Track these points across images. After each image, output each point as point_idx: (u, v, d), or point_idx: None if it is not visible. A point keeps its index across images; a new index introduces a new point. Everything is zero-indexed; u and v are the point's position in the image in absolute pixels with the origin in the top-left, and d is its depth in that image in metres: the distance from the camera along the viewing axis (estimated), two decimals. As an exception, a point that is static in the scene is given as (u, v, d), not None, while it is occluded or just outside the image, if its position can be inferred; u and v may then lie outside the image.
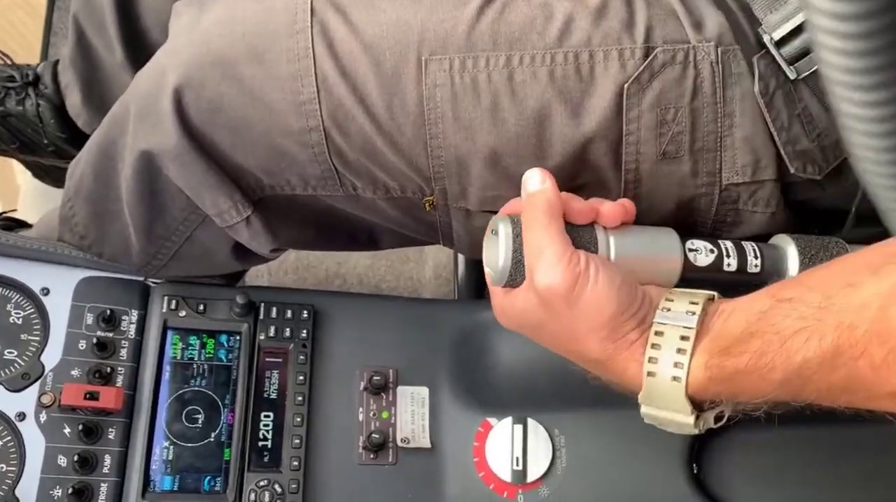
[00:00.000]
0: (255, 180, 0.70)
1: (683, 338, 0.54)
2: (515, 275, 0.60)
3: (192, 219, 0.74)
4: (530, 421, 0.80)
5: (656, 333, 0.55)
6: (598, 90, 0.66)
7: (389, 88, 0.66)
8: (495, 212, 0.70)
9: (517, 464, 0.78)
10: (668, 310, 0.56)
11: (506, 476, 0.78)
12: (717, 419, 0.56)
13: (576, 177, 0.69)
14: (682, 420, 0.55)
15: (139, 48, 1.04)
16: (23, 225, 0.96)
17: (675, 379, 0.54)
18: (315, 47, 0.65)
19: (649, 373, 0.55)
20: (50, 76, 1.11)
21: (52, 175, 1.27)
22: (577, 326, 0.58)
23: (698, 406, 0.55)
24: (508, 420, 0.80)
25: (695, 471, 0.79)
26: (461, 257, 1.07)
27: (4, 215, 0.98)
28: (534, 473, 0.78)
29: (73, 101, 1.10)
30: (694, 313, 0.55)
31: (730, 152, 0.67)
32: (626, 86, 0.65)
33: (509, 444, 0.79)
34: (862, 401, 0.48)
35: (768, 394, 0.51)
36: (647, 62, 0.65)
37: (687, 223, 0.71)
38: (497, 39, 0.66)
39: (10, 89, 1.10)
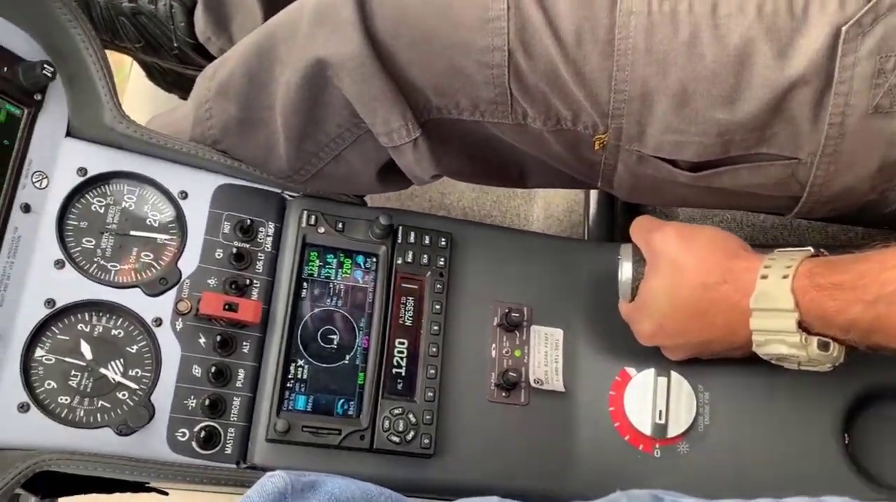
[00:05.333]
0: (425, 100, 0.65)
1: (792, 259, 0.63)
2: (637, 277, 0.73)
3: (345, 137, 0.70)
4: (674, 375, 0.77)
5: (770, 258, 0.64)
6: (810, 30, 0.60)
7: (581, 12, 0.60)
8: (671, 161, 0.66)
9: (659, 418, 0.75)
10: (773, 258, 0.64)
11: (645, 428, 0.75)
12: (821, 345, 0.61)
13: (766, 126, 0.63)
14: (787, 326, 0.61)
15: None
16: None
17: (783, 277, 0.61)
18: None
19: (762, 276, 0.63)
20: (183, -24, 1.07)
21: (166, 78, 1.24)
22: (698, 263, 0.67)
23: (804, 327, 0.61)
24: (651, 371, 0.77)
25: (846, 442, 0.75)
26: (593, 197, 1.02)
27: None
28: (674, 429, 0.75)
29: (198, 9, 1.06)
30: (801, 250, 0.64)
31: None
32: (844, 28, 0.59)
33: (651, 397, 0.76)
34: None
35: (857, 314, 0.57)
36: (871, 3, 0.59)
37: (885, 190, 0.65)
38: None
39: (143, -13, 1.07)
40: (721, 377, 0.77)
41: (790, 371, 0.67)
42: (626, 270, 0.75)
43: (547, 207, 1.22)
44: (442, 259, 0.79)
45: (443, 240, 0.80)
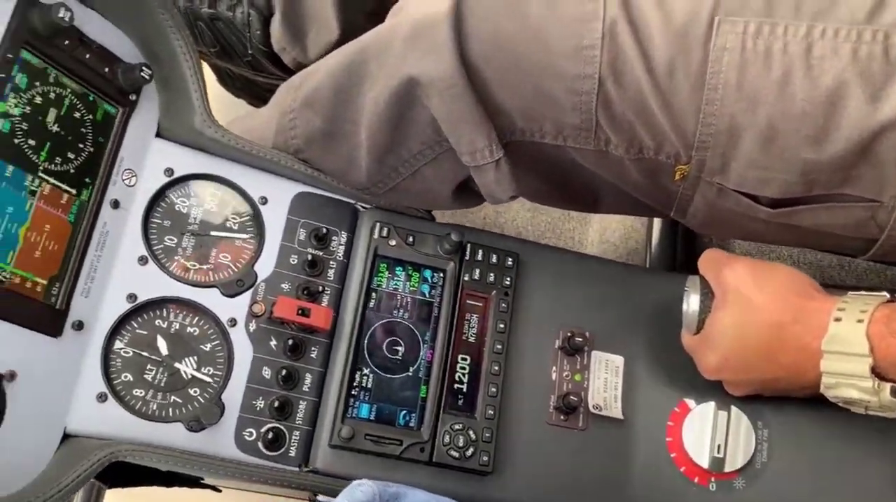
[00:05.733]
0: (510, 122, 0.66)
1: (867, 304, 0.63)
2: (704, 310, 0.73)
3: (426, 154, 0.72)
4: (734, 409, 0.77)
5: (843, 301, 0.65)
6: None
7: (675, 45, 0.61)
8: (751, 196, 0.66)
9: (717, 452, 0.75)
10: (847, 301, 0.65)
11: (702, 461, 0.75)
12: (893, 392, 0.61)
13: (852, 167, 0.63)
14: (860, 370, 0.61)
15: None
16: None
17: (858, 321, 0.61)
18: None
19: (836, 319, 0.63)
20: (263, -15, 1.10)
21: (235, 83, 1.27)
22: (770, 300, 0.68)
23: (877, 373, 0.61)
24: (711, 404, 0.77)
25: (906, 492, 0.75)
26: (657, 226, 1.02)
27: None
28: (732, 464, 0.75)
29: (276, 21, 1.09)
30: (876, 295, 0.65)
31: None
32: None
33: (710, 430, 0.76)
34: None
35: None
36: None
37: None
38: (800, 7, 0.61)
39: (221, -8, 1.10)
40: (782, 415, 0.77)
41: (854, 414, 0.67)
42: (692, 302, 0.75)
43: (602, 232, 1.23)
44: (508, 278, 0.80)
45: (510, 259, 0.81)
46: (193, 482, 0.74)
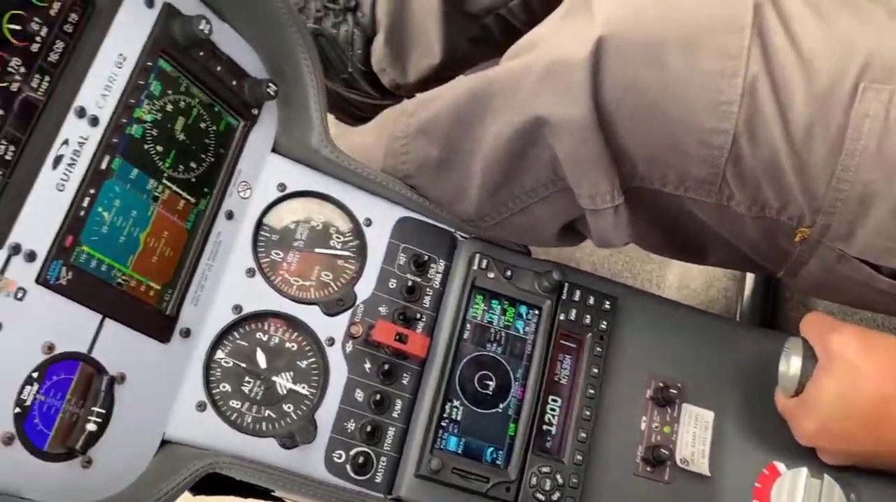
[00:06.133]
0: (633, 168, 0.66)
1: None
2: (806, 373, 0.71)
3: (539, 192, 0.71)
4: (827, 478, 0.75)
5: None
6: None
7: (816, 108, 0.60)
8: (873, 265, 0.65)
9: (808, 521, 0.73)
10: None
11: (791, 529, 0.73)
12: None
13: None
14: None
15: (458, 4, 1.02)
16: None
17: None
18: (751, 49, 0.60)
19: None
20: (369, 5, 1.11)
21: (328, 100, 1.28)
22: (879, 372, 0.66)
23: None
24: (803, 471, 0.75)
25: None
26: (749, 279, 1.01)
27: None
28: (821, 534, 0.73)
29: (378, 41, 1.10)
30: None
31: None
32: None
33: (800, 497, 0.74)
34: None
35: None
36: None
37: None
38: None
39: (330, 10, 1.11)
40: (877, 490, 0.75)
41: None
42: (794, 365, 0.73)
43: (682, 277, 1.21)
44: (604, 322, 0.79)
45: (607, 303, 0.80)
46: (265, 494, 0.74)
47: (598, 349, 0.78)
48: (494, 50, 1.12)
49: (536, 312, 0.79)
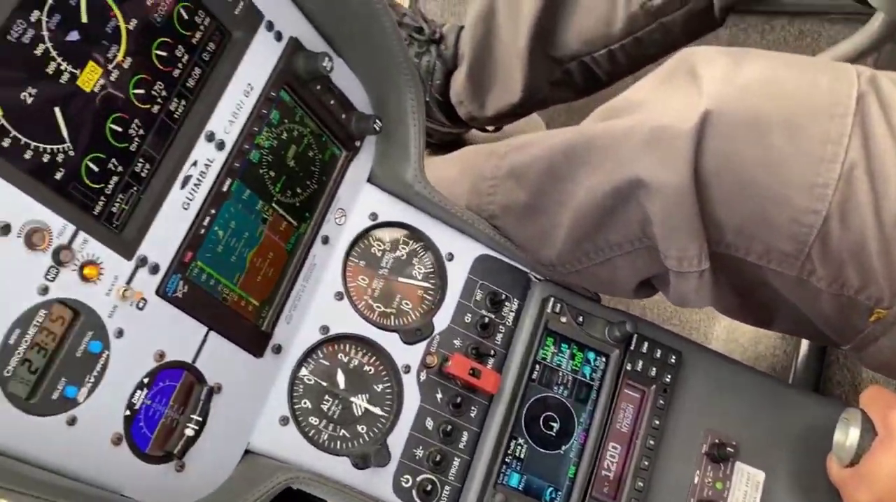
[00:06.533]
0: (720, 235, 0.68)
1: None
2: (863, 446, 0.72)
3: (624, 247, 0.74)
4: (876, 553, 0.77)
5: None
6: None
7: None
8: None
9: None
10: None
11: None
12: None
13: None
14: None
15: (544, 48, 1.05)
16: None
17: None
18: (852, 136, 0.62)
19: None
20: (453, 39, 1.14)
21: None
22: None
23: None
24: (852, 541, 0.77)
25: None
26: (805, 342, 1.03)
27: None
28: None
29: (459, 74, 1.13)
30: None
31: None
32: None
33: (847, 567, 0.76)
34: None
35: None
36: None
37: None
38: None
39: (415, 40, 1.15)
40: (924, 568, 0.76)
41: None
42: (851, 436, 0.75)
43: (731, 331, 1.23)
44: (669, 375, 0.81)
45: (673, 357, 0.82)
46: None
47: (661, 401, 0.80)
48: (573, 93, 1.15)
49: (604, 359, 0.81)
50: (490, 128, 1.22)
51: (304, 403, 0.73)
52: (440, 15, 1.47)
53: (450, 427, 0.76)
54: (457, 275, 0.81)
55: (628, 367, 0.81)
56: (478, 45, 1.11)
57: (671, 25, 0.94)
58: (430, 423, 0.76)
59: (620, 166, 0.68)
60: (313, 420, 0.73)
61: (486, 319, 0.80)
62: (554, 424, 0.79)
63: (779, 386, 0.88)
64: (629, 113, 0.70)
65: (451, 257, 0.81)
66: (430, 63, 1.17)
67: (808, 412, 0.85)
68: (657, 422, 0.80)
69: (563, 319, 0.81)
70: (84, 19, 0.53)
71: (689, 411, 0.82)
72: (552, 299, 0.81)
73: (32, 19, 0.50)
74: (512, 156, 0.80)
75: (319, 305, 0.74)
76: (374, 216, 0.79)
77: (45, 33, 0.51)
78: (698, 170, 0.65)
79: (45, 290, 0.52)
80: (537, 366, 0.80)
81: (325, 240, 0.75)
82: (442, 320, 0.79)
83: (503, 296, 0.81)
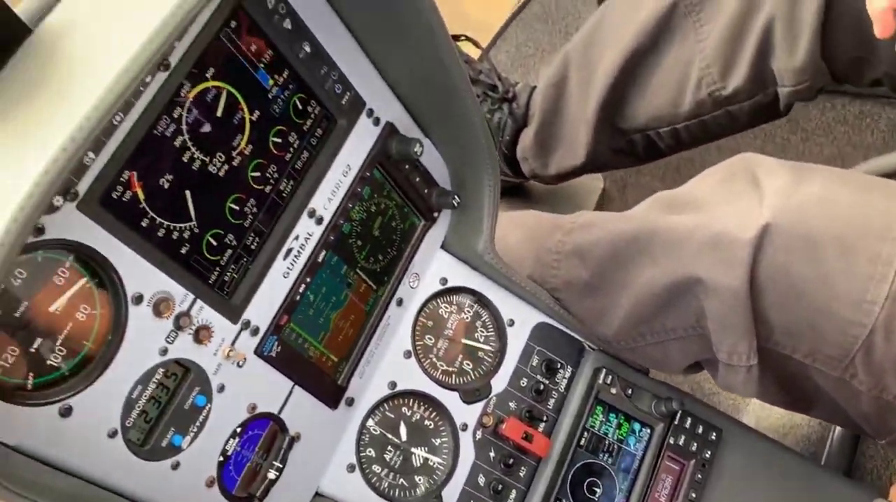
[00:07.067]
0: (769, 333, 0.73)
1: None
2: None
3: (678, 332, 0.79)
4: None
5: None
6: None
7: None
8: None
9: None
10: None
11: None
12: None
13: None
14: None
15: (611, 119, 1.11)
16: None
17: None
18: None
19: None
20: (525, 99, 1.20)
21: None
22: None
23: None
24: None
25: None
26: (839, 428, 1.07)
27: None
28: None
29: (527, 133, 1.19)
30: None
31: None
32: None
33: None
34: None
35: None
36: None
37: None
38: None
39: (489, 97, 1.21)
40: None
41: None
42: None
43: (764, 406, 1.27)
44: (709, 452, 0.86)
45: (714, 434, 0.87)
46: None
47: (699, 476, 0.85)
48: (634, 161, 1.20)
49: (649, 431, 0.87)
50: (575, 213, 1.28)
51: (370, 452, 0.79)
52: (510, 65, 1.53)
53: (500, 485, 0.81)
54: (516, 340, 0.87)
55: (671, 441, 0.86)
56: (548, 109, 1.17)
57: (737, 113, 0.99)
58: (482, 480, 0.82)
59: (681, 264, 0.73)
60: (376, 468, 0.79)
61: (541, 385, 0.85)
62: (597, 489, 0.84)
63: (812, 467, 0.93)
64: (692, 210, 0.76)
65: (511, 323, 0.87)
66: (502, 120, 1.23)
67: (838, 497, 0.89)
68: (693, 495, 0.84)
69: (613, 390, 0.87)
70: (219, 114, 0.60)
71: (725, 487, 0.87)
72: (604, 370, 0.87)
73: (175, 115, 0.57)
74: (577, 235, 0.86)
75: (389, 362, 0.81)
76: (444, 281, 0.85)
77: (184, 127, 0.58)
78: (754, 276, 0.70)
79: (164, 352, 0.59)
80: (585, 433, 0.85)
81: (399, 302, 0.81)
82: (500, 383, 0.85)
83: (558, 365, 0.87)
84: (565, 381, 0.87)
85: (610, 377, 0.87)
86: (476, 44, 1.35)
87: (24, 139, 0.44)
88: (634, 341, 0.83)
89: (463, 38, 1.32)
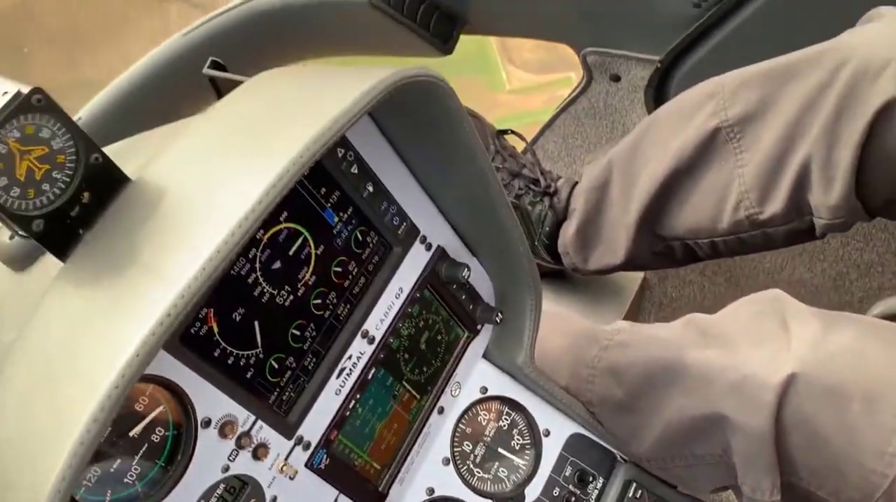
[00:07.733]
0: (793, 471, 0.76)
1: None
2: None
3: (706, 459, 0.82)
4: None
5: None
6: None
7: None
8: None
9: None
10: None
11: None
12: None
13: None
14: None
15: (650, 225, 1.15)
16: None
17: None
18: None
19: None
20: (565, 195, 1.25)
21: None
22: None
23: None
24: None
25: None
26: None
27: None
28: None
29: (568, 229, 1.23)
30: None
31: None
32: None
33: None
34: None
35: None
36: None
37: None
38: None
39: (531, 190, 1.26)
40: None
41: None
42: None
43: None
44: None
45: (738, 554, 0.89)
46: None
47: None
48: (672, 264, 1.24)
49: (671, 546, 0.89)
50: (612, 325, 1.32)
51: (404, 553, 0.83)
52: (557, 154, 1.58)
53: None
54: (551, 450, 0.90)
55: (690, 558, 0.89)
56: (590, 210, 1.22)
57: (773, 235, 1.03)
58: (507, 588, 0.85)
59: (710, 401, 0.77)
60: (410, 571, 0.83)
61: (573, 497, 0.89)
62: None
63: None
64: (722, 346, 0.79)
65: (547, 433, 0.91)
66: (542, 213, 1.28)
67: None
68: None
69: (642, 504, 0.90)
70: (291, 252, 0.66)
71: None
72: (634, 484, 0.90)
73: (250, 256, 0.63)
74: (613, 353, 0.90)
75: (428, 469, 0.85)
76: (484, 390, 0.89)
77: (258, 265, 0.64)
78: (779, 419, 0.73)
79: (226, 469, 0.64)
80: (618, 545, 0.88)
81: (441, 411, 0.86)
82: (533, 491, 0.89)
83: (590, 476, 0.90)
84: (596, 492, 0.91)
85: (640, 491, 0.90)
86: (521, 137, 1.40)
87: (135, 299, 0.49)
88: (664, 462, 0.86)
89: (509, 132, 1.38)
